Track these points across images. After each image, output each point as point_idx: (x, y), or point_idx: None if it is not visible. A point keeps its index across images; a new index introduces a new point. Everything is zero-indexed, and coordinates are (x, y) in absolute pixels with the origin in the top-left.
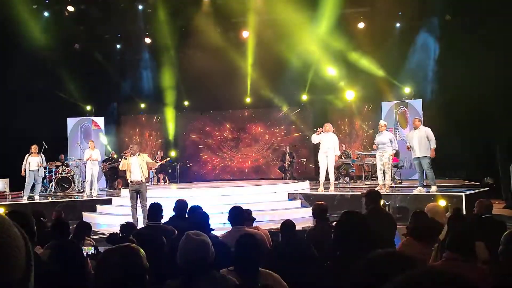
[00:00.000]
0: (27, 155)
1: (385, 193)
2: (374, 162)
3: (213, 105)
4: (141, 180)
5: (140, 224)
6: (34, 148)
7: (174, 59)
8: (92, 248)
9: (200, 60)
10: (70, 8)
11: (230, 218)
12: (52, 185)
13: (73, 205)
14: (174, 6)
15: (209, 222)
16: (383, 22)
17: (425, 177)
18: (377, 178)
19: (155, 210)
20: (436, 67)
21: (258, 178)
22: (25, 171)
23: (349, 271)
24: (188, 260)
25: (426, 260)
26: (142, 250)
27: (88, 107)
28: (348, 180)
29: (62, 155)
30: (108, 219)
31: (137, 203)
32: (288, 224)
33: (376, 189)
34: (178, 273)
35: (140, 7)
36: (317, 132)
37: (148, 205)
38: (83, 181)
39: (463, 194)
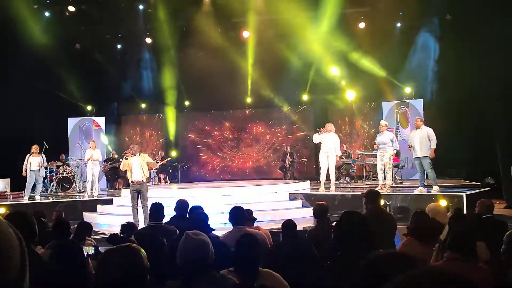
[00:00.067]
0: (28, 155)
1: (386, 193)
2: (375, 162)
3: (214, 105)
4: (142, 180)
5: (141, 224)
6: (35, 148)
7: (174, 59)
8: (93, 248)
9: (201, 60)
10: (71, 8)
11: (231, 218)
12: (53, 185)
13: (73, 205)
14: (175, 6)
15: (209, 222)
16: (383, 22)
17: (426, 177)
18: (377, 178)
19: (156, 210)
20: (436, 67)
21: (259, 178)
22: (26, 171)
23: (350, 271)
24: (188, 260)
25: (427, 260)
26: (143, 250)
27: (89, 107)
28: (349, 180)
29: (63, 155)
30: (108, 219)
31: (138, 203)
32: (289, 224)
33: (376, 189)
34: (179, 273)
35: (140, 7)
36: (319, 133)
37: (148, 205)
38: (84, 181)
39: (464, 194)
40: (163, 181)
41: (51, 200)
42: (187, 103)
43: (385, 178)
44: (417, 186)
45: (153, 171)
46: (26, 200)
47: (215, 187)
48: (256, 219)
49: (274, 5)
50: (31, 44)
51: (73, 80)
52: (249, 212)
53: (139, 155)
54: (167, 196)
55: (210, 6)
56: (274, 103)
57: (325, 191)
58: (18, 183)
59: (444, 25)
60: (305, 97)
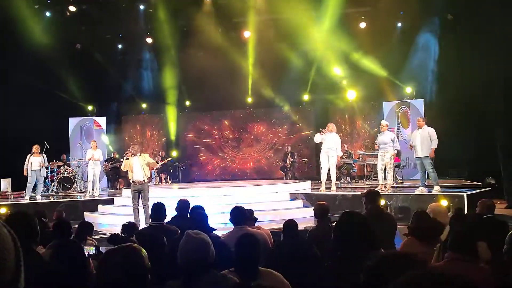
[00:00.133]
0: (29, 155)
1: (387, 193)
2: (376, 162)
3: (215, 105)
4: (143, 180)
5: (142, 224)
6: (35, 148)
7: (175, 59)
8: (94, 248)
9: (202, 60)
10: (72, 8)
11: (232, 218)
12: (54, 185)
13: (74, 205)
14: (175, 6)
15: (208, 222)
16: (384, 21)
17: (427, 177)
18: (378, 178)
19: (158, 209)
20: (437, 66)
21: (259, 178)
22: (27, 171)
23: (350, 271)
24: (189, 259)
25: (428, 261)
26: (144, 250)
27: (90, 107)
28: (349, 180)
29: (64, 155)
30: (109, 219)
31: (139, 203)
32: (290, 224)
33: (376, 189)
34: (179, 273)
35: (141, 7)
36: (321, 133)
37: (150, 205)
38: (85, 181)
39: (465, 194)
40: (164, 181)
41: (52, 200)
42: (187, 103)
43: (385, 178)
44: (418, 186)
45: (154, 171)
46: (27, 200)
47: (216, 187)
48: (257, 219)
49: (274, 5)
50: (32, 44)
51: (74, 80)
52: (250, 212)
53: (139, 155)
54: (168, 196)
55: (210, 6)
56: (275, 103)
57: (326, 191)
58: (19, 183)
59: (445, 25)
60: (305, 97)
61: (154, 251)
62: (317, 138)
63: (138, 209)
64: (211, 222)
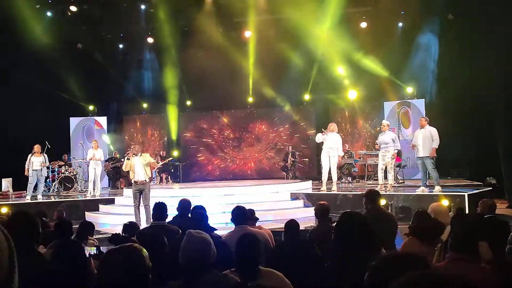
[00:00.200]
0: (30, 155)
1: (387, 193)
2: (377, 162)
3: (215, 105)
4: (145, 180)
5: (143, 224)
6: (36, 147)
7: (176, 59)
8: (95, 248)
9: (202, 60)
10: (73, 8)
11: (233, 218)
12: (55, 185)
13: (75, 205)
14: (176, 6)
15: (208, 222)
16: (385, 21)
17: (428, 177)
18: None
19: (159, 209)
20: (438, 66)
21: (260, 178)
22: (28, 171)
23: (350, 271)
24: (190, 258)
25: (429, 261)
26: (144, 250)
27: (91, 107)
28: (350, 179)
29: (65, 154)
30: (110, 219)
31: (139, 202)
32: (292, 224)
33: (375, 189)
34: (181, 272)
35: (142, 7)
36: (323, 133)
37: (150, 205)
38: (86, 181)
39: (465, 194)
40: (165, 181)
41: (53, 200)
42: (188, 102)
43: (386, 178)
44: (419, 186)
45: (155, 171)
46: (28, 199)
47: (217, 187)
48: (258, 218)
49: (275, 5)
50: (33, 44)
51: (75, 80)
52: (251, 211)
53: (140, 155)
54: (169, 195)
55: (211, 6)
56: (276, 102)
57: (327, 191)
58: (20, 183)
59: (446, 25)
60: (306, 96)
61: (155, 251)
62: (319, 138)
63: (139, 209)
64: (212, 222)
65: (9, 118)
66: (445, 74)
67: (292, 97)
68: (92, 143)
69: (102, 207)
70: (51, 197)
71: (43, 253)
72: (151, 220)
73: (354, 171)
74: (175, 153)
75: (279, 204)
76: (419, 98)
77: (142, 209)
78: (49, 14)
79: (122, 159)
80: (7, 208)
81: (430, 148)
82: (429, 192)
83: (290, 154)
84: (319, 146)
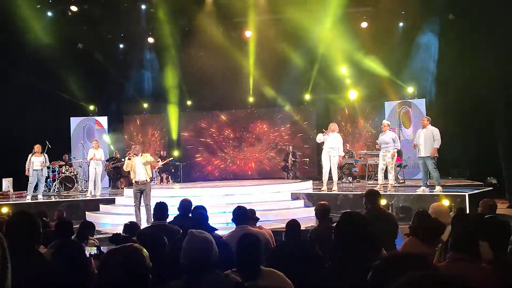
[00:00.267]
0: (30, 155)
1: (388, 192)
2: (377, 161)
3: (216, 105)
4: (146, 180)
5: (144, 223)
6: (37, 147)
7: (177, 59)
8: (95, 248)
9: (203, 60)
10: (73, 8)
11: (234, 218)
12: (55, 185)
13: (76, 205)
14: (177, 6)
15: (208, 222)
16: (386, 21)
17: (428, 177)
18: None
19: (160, 209)
20: (439, 66)
21: (261, 178)
22: (28, 171)
23: (351, 271)
24: (192, 258)
25: (431, 261)
26: (145, 250)
27: (91, 107)
28: (351, 179)
29: (66, 154)
30: (111, 219)
31: (140, 202)
32: (293, 224)
33: (375, 188)
34: (181, 273)
35: (143, 7)
36: (324, 133)
37: (151, 205)
38: (86, 181)
39: (466, 194)
40: (165, 181)
41: (53, 200)
42: (189, 102)
43: (386, 178)
44: (420, 186)
45: (155, 171)
46: (28, 199)
47: (217, 187)
48: (258, 218)
49: (276, 5)
50: (34, 44)
51: (75, 80)
52: (252, 211)
53: (141, 155)
54: (170, 195)
55: (212, 6)
56: (276, 102)
57: (328, 191)
58: (21, 183)
59: (447, 25)
60: (307, 96)
61: (155, 251)
62: (319, 138)
63: (139, 208)
64: (212, 222)
65: (9, 118)
66: (446, 74)
67: (293, 97)
68: (92, 143)
69: (102, 207)
70: (52, 197)
71: (44, 253)
72: (152, 220)
73: (355, 171)
74: (176, 153)
75: (279, 204)
76: (419, 98)
77: (142, 209)
78: (49, 14)
79: (123, 159)
80: (7, 208)
81: (432, 148)
82: (429, 192)
83: (290, 154)
84: (319, 146)
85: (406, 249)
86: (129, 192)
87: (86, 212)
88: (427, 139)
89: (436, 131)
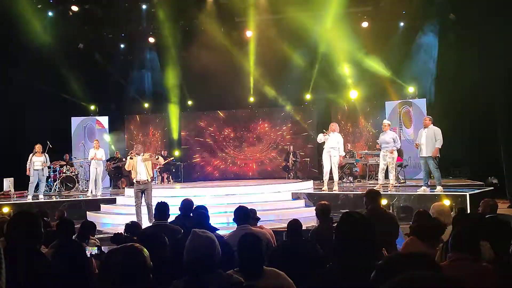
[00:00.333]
0: (31, 155)
1: (389, 192)
2: (378, 161)
3: (217, 104)
4: (147, 180)
5: (145, 223)
6: (38, 147)
7: (177, 59)
8: (96, 248)
9: (204, 60)
10: (74, 8)
11: (235, 218)
12: (56, 184)
13: (77, 205)
14: (178, 6)
15: (209, 222)
16: (386, 21)
17: (430, 177)
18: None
19: (161, 209)
20: (439, 66)
21: (262, 178)
22: (29, 171)
23: (351, 271)
24: (195, 257)
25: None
26: (145, 250)
27: (92, 107)
28: (352, 179)
29: (67, 154)
30: (112, 218)
31: (141, 202)
32: (295, 224)
33: (375, 188)
34: (182, 272)
35: (144, 6)
36: (324, 134)
37: (153, 204)
38: (87, 181)
39: (467, 193)
40: (166, 181)
41: (54, 200)
42: (190, 102)
43: (387, 178)
44: (421, 186)
45: (156, 170)
46: (29, 199)
47: (218, 187)
48: (259, 218)
49: (276, 5)
50: (35, 44)
51: (77, 80)
52: (253, 211)
53: (143, 155)
54: (170, 195)
55: (212, 5)
56: (277, 102)
57: (328, 191)
58: (22, 183)
59: (447, 24)
60: (308, 96)
61: (156, 251)
62: (320, 138)
63: (140, 208)
64: (213, 222)
65: (10, 118)
66: (446, 73)
67: (293, 96)
68: (93, 142)
69: (103, 206)
70: (53, 196)
71: (45, 253)
72: (153, 220)
73: (356, 170)
74: (176, 153)
75: (280, 204)
76: (420, 97)
77: (143, 208)
78: (50, 14)
79: (124, 159)
80: (8, 208)
81: (433, 148)
82: (430, 192)
83: (291, 154)
84: (320, 146)
85: (407, 249)
86: (130, 191)
87: (87, 212)
88: (429, 139)
89: (438, 131)
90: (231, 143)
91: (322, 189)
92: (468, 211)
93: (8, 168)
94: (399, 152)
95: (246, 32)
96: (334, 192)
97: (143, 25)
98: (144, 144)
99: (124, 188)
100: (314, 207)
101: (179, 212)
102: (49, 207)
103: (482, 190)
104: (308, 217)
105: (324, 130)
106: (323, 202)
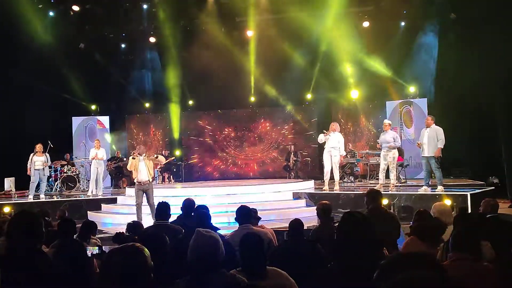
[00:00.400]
0: (31, 154)
1: (390, 192)
2: (379, 161)
3: (218, 104)
4: (148, 180)
5: (149, 223)
6: (38, 147)
7: (178, 58)
8: (97, 247)
9: (205, 59)
10: (75, 8)
11: (238, 217)
12: (57, 184)
13: (78, 204)
14: (179, 6)
15: (211, 221)
16: (387, 21)
17: (431, 176)
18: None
19: (162, 209)
20: (440, 65)
21: (263, 177)
22: (30, 170)
23: (352, 271)
24: (199, 256)
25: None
26: (146, 249)
27: (93, 107)
28: (353, 179)
29: (68, 154)
30: (113, 218)
31: (142, 202)
32: (296, 224)
33: (376, 188)
34: (183, 272)
35: (144, 6)
36: (325, 134)
37: (155, 203)
38: (88, 180)
39: (468, 193)
40: (167, 180)
41: (55, 199)
42: (191, 102)
43: (388, 178)
44: (421, 185)
45: (157, 170)
46: (30, 199)
47: (219, 186)
48: (260, 218)
49: (277, 4)
50: (36, 44)
51: (77, 79)
52: (254, 211)
53: (145, 156)
54: (171, 195)
55: (213, 5)
56: (278, 102)
57: (329, 190)
58: (23, 182)
59: (448, 24)
60: (308, 96)
61: (157, 251)
62: (321, 138)
63: (141, 208)
64: (214, 222)
65: (12, 118)
66: (447, 73)
67: (294, 96)
68: (94, 142)
69: (104, 206)
70: (54, 196)
71: (46, 252)
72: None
73: (357, 170)
74: (177, 153)
75: (281, 203)
76: (421, 97)
77: (144, 208)
78: (51, 13)
79: (125, 158)
80: (9, 208)
81: (435, 148)
82: (431, 191)
83: (292, 153)
84: (321, 146)
85: (407, 249)
86: (130, 191)
87: (88, 212)
88: (431, 138)
89: (440, 131)
90: (232, 142)
91: (323, 188)
92: (469, 211)
93: (9, 168)
94: (400, 151)
95: (247, 32)
96: (335, 191)
97: (144, 25)
98: (145, 143)
99: (125, 187)
100: (315, 207)
101: (179, 212)
102: (50, 207)
103: (483, 189)
104: (309, 216)
105: (324, 131)
106: (324, 201)
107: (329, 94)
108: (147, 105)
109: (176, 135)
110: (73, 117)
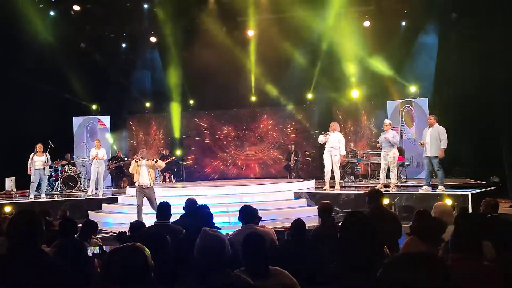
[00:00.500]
0: (32, 154)
1: (391, 192)
2: (380, 161)
3: (219, 104)
4: (150, 184)
5: (149, 223)
6: (39, 147)
7: (179, 58)
8: (98, 247)
9: (206, 59)
10: (76, 7)
11: (241, 217)
12: (58, 184)
13: (79, 204)
14: (179, 5)
15: (213, 221)
16: (388, 20)
17: (433, 176)
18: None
19: (163, 209)
20: (441, 65)
21: (263, 177)
22: (30, 170)
23: (354, 270)
24: (205, 255)
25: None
26: (147, 249)
27: (94, 106)
28: (353, 179)
29: (68, 154)
30: (114, 218)
31: (143, 204)
32: (298, 223)
33: (377, 187)
34: (183, 272)
35: (145, 6)
36: (324, 135)
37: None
38: (89, 180)
39: (469, 193)
40: (168, 180)
41: (56, 199)
42: (191, 101)
43: (388, 177)
44: (422, 185)
45: (158, 170)
46: (31, 198)
47: (220, 186)
48: (261, 218)
49: (278, 4)
50: (37, 44)
51: (78, 79)
52: (255, 211)
53: (147, 160)
54: (172, 195)
55: (214, 5)
56: (279, 101)
57: (330, 190)
58: (23, 182)
59: (449, 24)
60: (309, 95)
61: (157, 250)
62: (321, 139)
63: (142, 209)
64: (215, 221)
65: (12, 117)
66: (448, 72)
67: (295, 96)
68: (95, 142)
69: (105, 206)
70: (55, 196)
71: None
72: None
73: (357, 170)
74: (178, 152)
75: (282, 203)
76: (422, 97)
77: (144, 208)
78: (52, 13)
79: (125, 158)
80: (10, 207)
81: (437, 148)
82: (432, 191)
83: (293, 153)
84: (322, 145)
85: (407, 249)
86: (131, 191)
87: (89, 211)
88: (433, 138)
89: (442, 130)
90: (233, 142)
91: (324, 188)
92: (470, 211)
93: (10, 168)
94: (401, 151)
95: (248, 32)
96: (335, 191)
97: (145, 24)
98: (146, 143)
99: (125, 187)
100: (316, 207)
101: (179, 212)
102: (51, 207)
103: (484, 189)
104: (310, 216)
105: (322, 132)
106: (325, 201)
107: (330, 94)
108: (148, 104)
109: (176, 134)
110: (74, 117)
